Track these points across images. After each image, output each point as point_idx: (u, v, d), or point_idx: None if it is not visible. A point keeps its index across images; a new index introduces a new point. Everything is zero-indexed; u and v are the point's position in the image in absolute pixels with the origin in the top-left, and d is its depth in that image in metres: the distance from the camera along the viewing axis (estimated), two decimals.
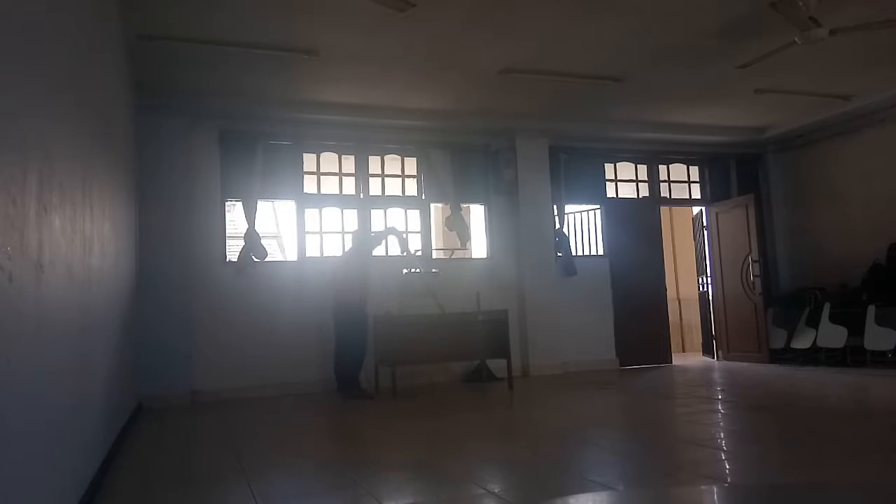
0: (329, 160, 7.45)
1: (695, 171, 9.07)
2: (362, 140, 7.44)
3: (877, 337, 7.10)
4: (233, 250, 7.04)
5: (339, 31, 5.18)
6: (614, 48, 5.77)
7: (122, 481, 3.38)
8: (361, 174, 7.53)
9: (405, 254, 7.01)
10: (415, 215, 7.74)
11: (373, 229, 7.35)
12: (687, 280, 10.13)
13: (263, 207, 7.42)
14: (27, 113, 1.84)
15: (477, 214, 8.19)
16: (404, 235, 7.20)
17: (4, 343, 1.57)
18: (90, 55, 3.20)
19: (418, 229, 7.71)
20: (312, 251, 7.32)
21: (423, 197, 7.76)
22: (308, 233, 7.29)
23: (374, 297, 6.67)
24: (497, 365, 7.00)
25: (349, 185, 7.50)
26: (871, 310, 7.19)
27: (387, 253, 7.45)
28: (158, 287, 6.20)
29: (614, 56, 5.95)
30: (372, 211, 7.53)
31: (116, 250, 4.20)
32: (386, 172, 7.64)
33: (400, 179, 7.71)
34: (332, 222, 7.58)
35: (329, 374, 6.68)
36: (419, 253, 7.29)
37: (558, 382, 6.99)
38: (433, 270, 7.15)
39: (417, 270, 7.05)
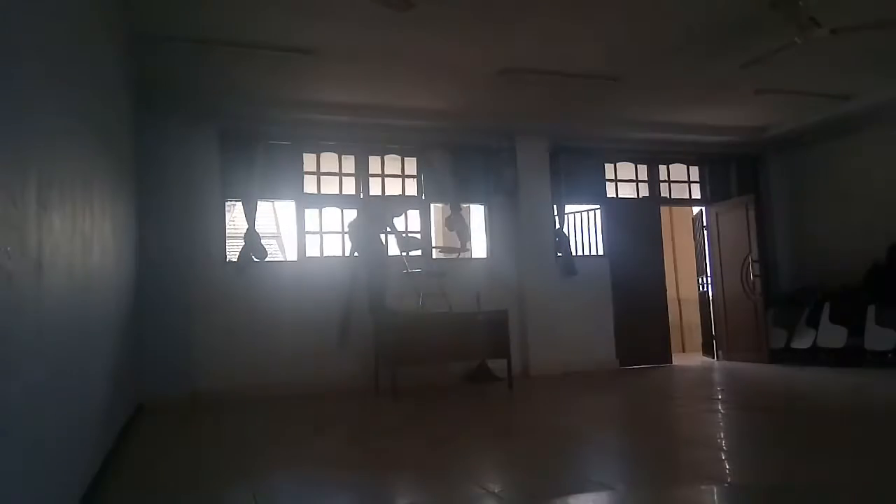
0: (329, 160, 7.45)
1: (695, 171, 9.07)
2: (362, 140, 7.44)
3: (877, 337, 7.10)
4: (233, 250, 7.03)
5: (339, 30, 5.18)
6: (614, 48, 5.77)
7: (122, 482, 3.38)
8: (361, 174, 7.53)
9: (404, 254, 7.03)
10: (415, 215, 7.74)
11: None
12: (687, 280, 10.13)
13: (263, 207, 7.42)
14: (27, 113, 1.84)
15: (477, 214, 8.19)
16: (404, 235, 7.23)
17: (4, 343, 1.57)
18: (90, 55, 3.20)
19: (418, 229, 7.71)
20: (312, 251, 7.33)
21: (423, 197, 7.76)
22: (308, 233, 7.29)
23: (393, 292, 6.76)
24: (497, 365, 7.00)
25: (349, 185, 7.50)
26: (871, 310, 7.18)
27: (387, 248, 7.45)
28: (158, 287, 6.19)
29: (614, 56, 5.94)
30: None
31: (116, 250, 4.20)
32: (386, 172, 7.64)
33: (400, 179, 7.71)
34: (332, 222, 7.59)
35: (329, 375, 6.74)
36: (406, 236, 7.30)
37: (558, 382, 6.99)
38: (434, 269, 7.13)
39: (418, 270, 7.05)
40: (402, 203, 7.20)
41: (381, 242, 6.94)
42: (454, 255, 7.82)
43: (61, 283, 2.30)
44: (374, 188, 7.58)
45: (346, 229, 7.12)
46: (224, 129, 6.88)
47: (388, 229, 7.00)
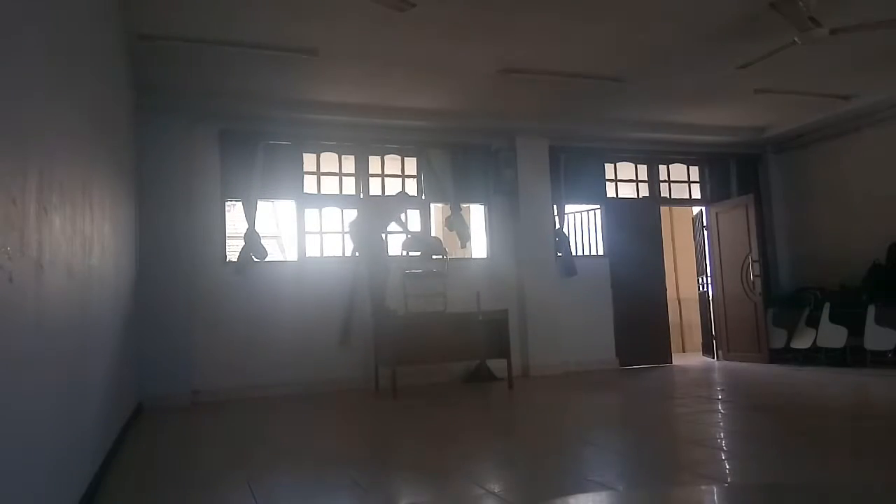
0: (329, 160, 7.45)
1: (695, 171, 9.07)
2: (362, 140, 7.44)
3: (877, 337, 7.10)
4: (233, 250, 7.03)
5: (339, 31, 5.18)
6: (614, 48, 5.77)
7: (122, 481, 3.38)
8: (361, 174, 7.53)
9: (405, 253, 7.02)
10: (415, 215, 7.73)
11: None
12: (687, 280, 10.13)
13: (263, 207, 7.42)
14: (27, 113, 1.84)
15: (477, 214, 8.19)
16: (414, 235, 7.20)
17: (4, 343, 1.57)
18: (90, 55, 3.20)
19: (418, 230, 7.70)
20: (312, 251, 7.33)
21: (423, 197, 7.76)
22: (308, 233, 7.29)
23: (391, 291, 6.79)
24: (497, 365, 7.00)
25: (349, 185, 7.50)
26: (871, 310, 7.18)
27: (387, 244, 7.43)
28: (158, 287, 6.19)
29: (614, 56, 5.94)
30: None
31: (116, 250, 4.20)
32: (386, 172, 7.64)
33: (400, 179, 7.70)
34: (332, 222, 7.58)
35: (328, 375, 6.75)
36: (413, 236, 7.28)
37: (558, 382, 6.99)
38: (435, 256, 7.10)
39: (418, 254, 7.02)
40: (403, 201, 7.15)
41: (381, 242, 6.94)
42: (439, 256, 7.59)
43: (61, 283, 2.30)
44: (374, 188, 7.57)
45: (347, 229, 7.13)
46: (224, 129, 6.88)
47: (398, 226, 7.00)
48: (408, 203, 7.25)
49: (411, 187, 7.72)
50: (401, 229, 7.13)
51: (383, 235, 7.04)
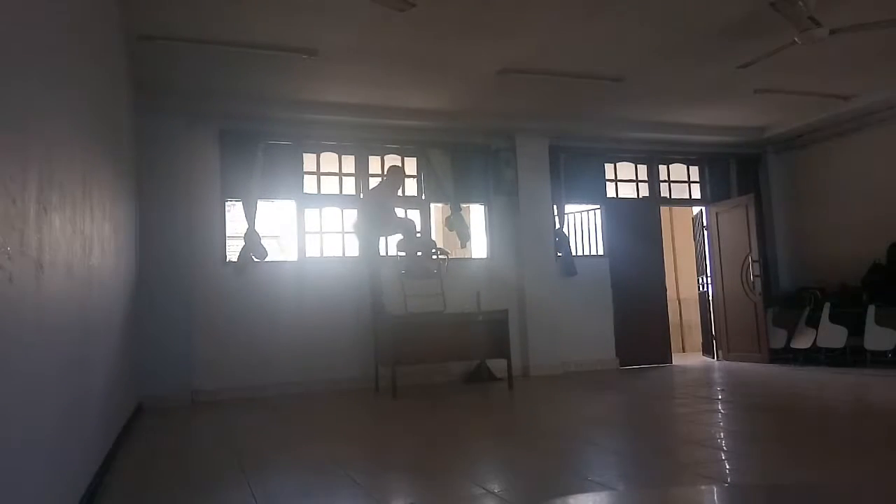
0: (329, 160, 7.45)
1: (695, 171, 9.07)
2: (362, 140, 7.44)
3: (877, 337, 7.10)
4: (233, 250, 7.03)
5: (339, 30, 5.18)
6: (614, 48, 5.77)
7: (122, 481, 3.38)
8: (361, 174, 7.53)
9: (403, 253, 7.02)
10: (415, 215, 7.73)
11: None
12: (687, 280, 10.13)
13: (263, 207, 7.41)
14: (27, 113, 1.84)
15: (477, 214, 8.19)
16: (418, 235, 7.18)
17: (4, 343, 1.57)
18: (90, 55, 3.20)
19: (418, 230, 7.70)
20: (312, 251, 7.33)
21: (423, 197, 7.76)
22: (308, 233, 7.29)
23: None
24: (497, 365, 7.00)
25: (349, 185, 7.50)
26: (871, 310, 7.19)
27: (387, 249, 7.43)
28: (158, 287, 6.19)
29: (614, 56, 5.95)
30: None
31: (116, 250, 4.20)
32: (386, 172, 7.63)
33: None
34: (332, 222, 7.58)
35: (328, 375, 6.76)
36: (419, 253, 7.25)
37: (558, 382, 6.99)
38: (435, 256, 7.10)
39: (419, 254, 7.02)
40: (398, 177, 7.09)
41: (382, 235, 6.94)
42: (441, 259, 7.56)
43: (61, 283, 2.30)
44: None
45: (352, 229, 7.11)
46: (224, 129, 6.88)
47: (398, 212, 6.99)
48: (403, 177, 7.21)
49: (411, 186, 7.72)
50: (400, 216, 7.09)
51: (383, 238, 7.04)
